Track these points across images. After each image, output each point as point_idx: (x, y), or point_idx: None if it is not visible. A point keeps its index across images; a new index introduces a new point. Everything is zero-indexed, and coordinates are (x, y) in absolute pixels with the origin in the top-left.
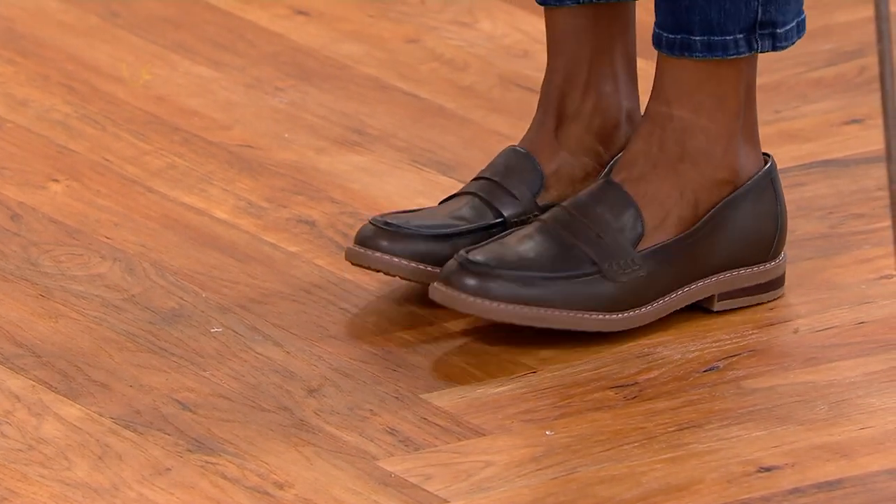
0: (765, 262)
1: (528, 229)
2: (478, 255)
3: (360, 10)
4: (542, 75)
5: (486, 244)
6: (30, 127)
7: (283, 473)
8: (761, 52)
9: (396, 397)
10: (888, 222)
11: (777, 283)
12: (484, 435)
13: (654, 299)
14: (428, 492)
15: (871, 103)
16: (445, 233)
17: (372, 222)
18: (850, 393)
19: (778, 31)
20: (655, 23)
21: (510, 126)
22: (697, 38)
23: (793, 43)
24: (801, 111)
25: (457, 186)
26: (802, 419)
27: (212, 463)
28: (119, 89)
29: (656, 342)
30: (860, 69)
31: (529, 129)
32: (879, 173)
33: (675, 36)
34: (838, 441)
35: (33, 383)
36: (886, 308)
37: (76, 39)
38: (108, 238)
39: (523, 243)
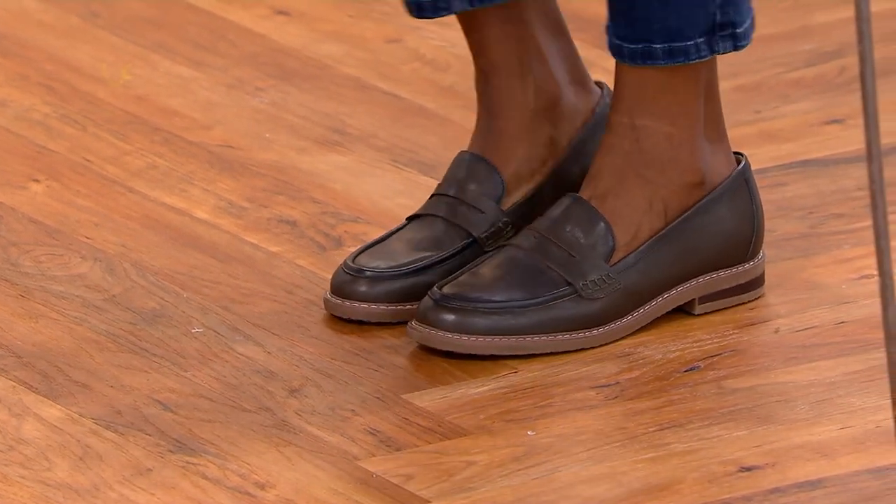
0: (744, 262)
1: (498, 256)
2: (452, 290)
3: (341, 10)
4: None
5: (459, 276)
6: (9, 127)
7: (264, 474)
8: (722, 53)
9: (378, 397)
10: (868, 222)
11: (757, 282)
12: (465, 435)
13: (634, 309)
14: (409, 492)
15: (851, 103)
16: (419, 267)
17: (345, 269)
18: (831, 393)
19: (737, 30)
20: (613, 33)
21: None
22: (658, 45)
23: (750, 41)
24: (781, 111)
25: None
26: (783, 419)
27: (193, 463)
28: (99, 89)
29: (637, 342)
30: (840, 69)
31: (477, 133)
32: (859, 173)
33: (636, 46)
34: (819, 441)
35: (13, 384)
36: (866, 308)
37: (56, 39)
38: (88, 238)
39: (495, 272)
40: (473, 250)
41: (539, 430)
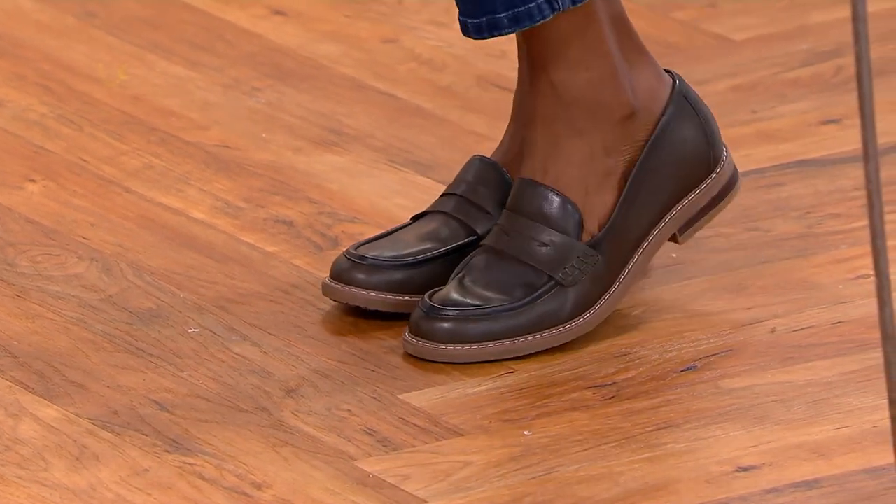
0: (710, 174)
1: (476, 261)
2: (442, 298)
3: (338, 10)
4: None
5: (445, 286)
6: (6, 127)
7: (260, 474)
8: (563, 10)
9: (374, 397)
10: (865, 222)
11: (729, 186)
12: (462, 435)
13: (616, 279)
14: (406, 492)
15: (848, 103)
16: (421, 259)
17: (346, 256)
18: (827, 392)
19: None
20: (460, 13)
21: (488, 126)
22: (502, 14)
23: None
24: (778, 111)
25: (434, 186)
26: (780, 419)
27: (189, 463)
28: (96, 89)
29: (634, 342)
30: (837, 69)
31: (503, 141)
32: (856, 173)
33: (480, 20)
34: (816, 440)
35: (10, 384)
36: (863, 308)
37: (53, 39)
38: (84, 238)
39: (479, 279)
40: (475, 248)
41: (536, 430)
